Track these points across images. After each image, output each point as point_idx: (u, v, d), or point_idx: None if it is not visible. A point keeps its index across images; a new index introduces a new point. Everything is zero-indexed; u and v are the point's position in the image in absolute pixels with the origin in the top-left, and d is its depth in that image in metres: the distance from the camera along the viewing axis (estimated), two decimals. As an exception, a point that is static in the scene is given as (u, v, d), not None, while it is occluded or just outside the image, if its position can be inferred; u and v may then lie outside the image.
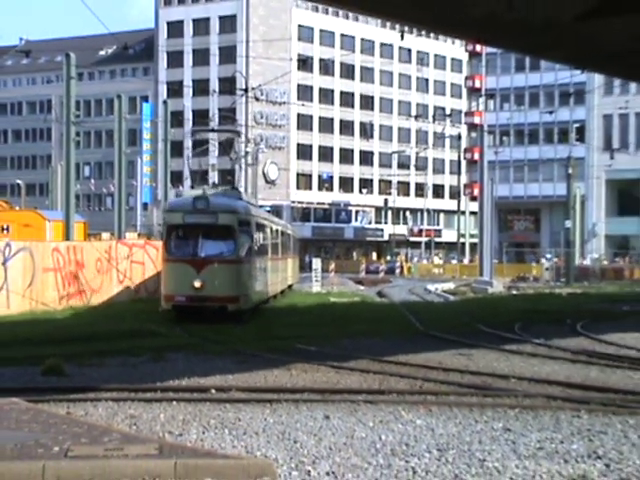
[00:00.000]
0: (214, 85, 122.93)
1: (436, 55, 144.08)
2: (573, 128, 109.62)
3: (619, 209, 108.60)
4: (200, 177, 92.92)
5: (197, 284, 30.02)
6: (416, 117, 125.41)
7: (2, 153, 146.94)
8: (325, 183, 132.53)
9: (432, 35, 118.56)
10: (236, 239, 31.53)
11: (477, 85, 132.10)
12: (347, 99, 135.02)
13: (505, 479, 10.83)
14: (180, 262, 31.02)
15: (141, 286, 38.68)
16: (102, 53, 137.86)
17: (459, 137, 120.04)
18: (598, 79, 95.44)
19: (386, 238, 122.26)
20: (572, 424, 14.23)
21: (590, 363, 22.16)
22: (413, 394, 16.83)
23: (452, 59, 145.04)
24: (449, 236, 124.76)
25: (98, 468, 10.51)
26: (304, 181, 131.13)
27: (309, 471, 11.00)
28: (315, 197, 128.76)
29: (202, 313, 30.64)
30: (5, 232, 46.19)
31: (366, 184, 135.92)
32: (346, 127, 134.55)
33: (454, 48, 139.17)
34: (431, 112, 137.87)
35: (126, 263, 38.51)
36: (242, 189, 60.21)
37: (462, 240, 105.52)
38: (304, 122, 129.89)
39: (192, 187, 72.07)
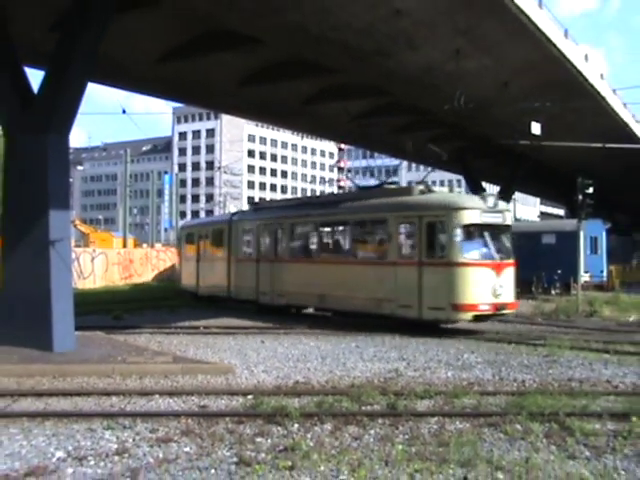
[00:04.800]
0: (203, 165, 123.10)
1: (321, 150, 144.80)
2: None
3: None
4: (194, 214, 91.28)
5: (499, 290, 15.27)
6: (310, 182, 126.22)
7: (92, 202, 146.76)
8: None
9: (318, 138, 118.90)
10: (511, 240, 16.61)
11: (342, 165, 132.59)
12: (275, 172, 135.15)
13: (356, 372, 10.88)
14: (481, 266, 15.35)
15: (164, 273, 37.96)
16: (144, 149, 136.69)
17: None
18: (405, 163, 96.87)
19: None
20: (391, 343, 14.35)
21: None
22: (309, 329, 16.82)
23: (329, 152, 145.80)
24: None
25: (141, 368, 10.49)
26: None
27: (253, 370, 10.94)
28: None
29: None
30: (92, 243, 46.69)
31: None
32: (273, 188, 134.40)
33: (330, 145, 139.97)
34: (318, 180, 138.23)
35: (156, 260, 37.73)
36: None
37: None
38: (251, 185, 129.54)
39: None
